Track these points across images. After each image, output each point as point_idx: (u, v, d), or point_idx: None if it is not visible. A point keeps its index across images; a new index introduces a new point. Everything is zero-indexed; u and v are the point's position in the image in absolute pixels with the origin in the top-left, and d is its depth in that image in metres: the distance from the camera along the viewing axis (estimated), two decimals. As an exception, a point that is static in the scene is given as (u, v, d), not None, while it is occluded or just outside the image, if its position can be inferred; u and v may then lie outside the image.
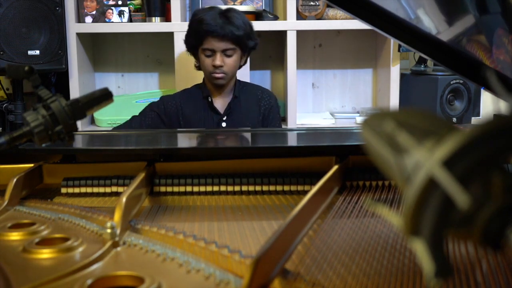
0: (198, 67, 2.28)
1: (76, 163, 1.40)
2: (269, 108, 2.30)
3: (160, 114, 2.25)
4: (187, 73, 2.68)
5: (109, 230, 0.92)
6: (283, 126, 2.64)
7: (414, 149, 0.48)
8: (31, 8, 2.49)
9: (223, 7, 2.32)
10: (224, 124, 2.24)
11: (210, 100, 2.24)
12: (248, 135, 1.81)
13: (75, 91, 2.72)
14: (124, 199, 1.00)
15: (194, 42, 2.19)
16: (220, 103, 2.27)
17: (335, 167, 1.20)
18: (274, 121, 2.32)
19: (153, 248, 0.89)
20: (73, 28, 2.70)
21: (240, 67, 2.25)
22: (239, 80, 2.32)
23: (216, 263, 0.83)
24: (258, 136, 1.76)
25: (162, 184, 1.28)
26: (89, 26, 2.77)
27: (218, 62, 2.14)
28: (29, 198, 1.24)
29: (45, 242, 0.94)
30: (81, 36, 2.76)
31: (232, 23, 2.12)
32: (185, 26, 2.67)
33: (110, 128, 2.73)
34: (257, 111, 2.28)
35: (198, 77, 2.40)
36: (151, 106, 2.31)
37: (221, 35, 2.11)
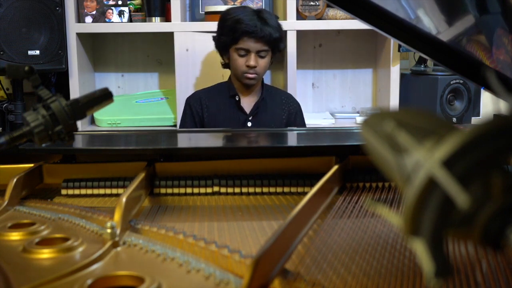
0: (225, 65, 2.27)
1: (76, 163, 1.40)
2: (294, 113, 2.31)
3: (192, 111, 2.25)
4: (187, 73, 2.68)
5: (109, 230, 0.92)
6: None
7: (414, 149, 0.48)
8: (31, 8, 2.49)
9: (220, 8, 2.31)
10: (249, 124, 2.23)
11: (237, 99, 2.24)
12: (248, 135, 1.81)
13: (75, 91, 2.72)
14: (124, 199, 1.00)
15: (228, 41, 2.18)
16: (246, 103, 2.26)
17: (335, 167, 1.20)
18: (300, 127, 2.32)
19: (153, 248, 0.89)
20: (73, 28, 2.70)
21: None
22: (265, 84, 2.33)
23: (216, 263, 0.83)
24: (259, 137, 1.76)
25: (162, 186, 1.28)
26: (89, 26, 2.77)
27: (253, 62, 2.14)
28: (29, 198, 1.24)
29: (45, 242, 0.94)
30: (81, 36, 2.76)
31: (270, 25, 2.13)
32: (185, 26, 2.69)
33: (111, 128, 2.73)
34: (281, 115, 2.29)
35: (199, 77, 2.41)
36: (186, 103, 2.31)
37: (259, 36, 2.11)
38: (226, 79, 2.40)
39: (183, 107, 2.33)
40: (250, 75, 2.17)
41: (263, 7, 2.85)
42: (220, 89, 2.29)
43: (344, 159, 1.29)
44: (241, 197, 1.26)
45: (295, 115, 2.31)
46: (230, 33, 2.15)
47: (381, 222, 1.02)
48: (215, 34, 2.26)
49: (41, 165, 1.36)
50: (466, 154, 0.44)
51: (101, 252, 0.87)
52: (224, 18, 2.21)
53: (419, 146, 0.48)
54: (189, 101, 2.29)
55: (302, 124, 2.36)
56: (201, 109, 2.24)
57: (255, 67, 2.15)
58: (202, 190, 1.28)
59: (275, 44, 2.16)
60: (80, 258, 0.87)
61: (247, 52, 2.14)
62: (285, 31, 2.70)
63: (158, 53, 3.07)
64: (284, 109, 2.30)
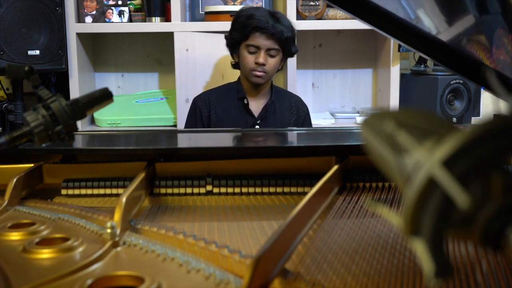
0: (234, 66, 2.25)
1: (76, 163, 1.40)
2: (303, 117, 2.29)
3: (200, 112, 2.23)
4: (187, 73, 2.68)
5: (109, 230, 0.92)
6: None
7: (414, 149, 0.48)
8: (31, 8, 2.49)
9: (220, 8, 2.31)
10: (257, 127, 2.20)
11: (246, 102, 2.21)
12: (248, 136, 1.81)
13: (75, 91, 2.72)
14: (124, 199, 1.00)
15: (239, 36, 2.15)
16: (255, 105, 2.23)
17: (335, 167, 1.20)
18: None
19: (153, 248, 0.90)
20: (73, 28, 2.70)
21: (277, 71, 2.23)
22: (274, 85, 2.30)
23: (216, 263, 0.83)
24: (259, 136, 1.76)
25: (162, 186, 1.28)
26: (89, 26, 2.77)
27: (261, 59, 2.11)
28: (29, 198, 1.24)
29: (45, 242, 0.94)
30: (81, 36, 2.76)
31: (282, 23, 2.11)
32: (185, 26, 2.69)
33: (111, 128, 2.73)
34: (289, 118, 2.26)
35: (199, 77, 2.41)
36: (193, 103, 2.28)
37: (270, 33, 2.09)
38: (226, 80, 2.40)
39: (183, 107, 2.32)
40: (258, 73, 2.13)
41: (263, 7, 2.86)
42: (229, 90, 2.26)
43: (344, 159, 1.29)
44: (241, 197, 1.26)
45: (303, 119, 2.29)
46: (241, 28, 2.13)
47: (381, 222, 1.02)
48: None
49: (41, 165, 1.36)
50: (466, 154, 0.44)
51: (101, 252, 0.87)
52: (237, 15, 2.19)
53: (419, 146, 0.48)
54: (196, 102, 2.25)
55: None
56: (208, 110, 2.21)
57: (264, 64, 2.11)
58: (202, 190, 1.28)
59: (286, 44, 2.13)
60: (80, 258, 0.87)
61: (257, 49, 2.12)
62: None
63: (158, 53, 3.07)
64: (293, 113, 2.28)
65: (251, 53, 2.13)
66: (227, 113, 2.22)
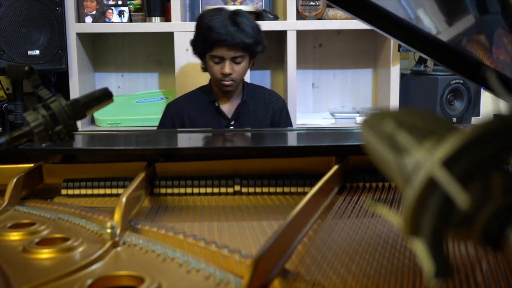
0: (205, 69, 2.24)
1: (76, 163, 1.40)
2: (279, 111, 2.27)
3: (173, 117, 2.23)
4: (187, 73, 2.68)
5: (109, 230, 0.92)
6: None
7: (414, 149, 0.48)
8: (31, 8, 2.49)
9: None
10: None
11: (217, 105, 2.21)
12: (248, 136, 1.81)
13: (75, 91, 2.72)
14: (124, 199, 1.00)
15: (202, 48, 2.14)
16: (227, 107, 2.23)
17: (335, 167, 1.20)
18: (286, 126, 2.29)
19: (153, 248, 0.90)
20: (73, 28, 2.70)
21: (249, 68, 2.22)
22: (246, 83, 2.29)
23: (216, 263, 0.83)
24: (258, 136, 1.76)
25: (162, 186, 1.28)
26: (89, 26, 2.77)
27: (227, 70, 2.09)
28: (29, 198, 1.24)
29: (45, 242, 0.94)
30: (81, 36, 2.76)
31: (243, 31, 2.07)
32: (185, 26, 2.69)
33: (111, 128, 2.73)
34: (265, 115, 2.25)
35: (199, 77, 2.40)
36: (166, 108, 2.28)
37: (231, 44, 2.06)
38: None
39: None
40: (226, 82, 2.13)
41: (263, 7, 2.86)
42: (201, 93, 2.26)
43: (344, 159, 1.29)
44: (241, 197, 1.26)
45: (280, 114, 2.27)
46: (203, 40, 2.12)
47: (381, 222, 1.02)
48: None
49: (41, 165, 1.36)
50: (466, 154, 0.44)
51: (101, 252, 0.87)
52: (198, 24, 2.16)
53: (419, 146, 0.48)
54: (170, 108, 2.26)
55: (288, 121, 2.32)
56: (181, 116, 2.21)
57: (230, 74, 2.10)
58: (202, 190, 1.28)
59: (250, 48, 2.11)
60: (80, 258, 0.87)
61: (222, 59, 2.10)
62: (285, 31, 2.71)
63: (158, 53, 3.07)
64: (268, 109, 2.26)
65: (216, 63, 2.11)
66: (200, 116, 2.21)
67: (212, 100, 2.21)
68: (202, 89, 2.29)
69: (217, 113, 2.21)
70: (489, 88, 1.08)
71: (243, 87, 2.25)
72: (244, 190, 1.27)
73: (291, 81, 2.73)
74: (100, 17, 2.78)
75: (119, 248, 0.91)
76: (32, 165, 1.34)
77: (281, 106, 2.29)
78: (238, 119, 2.21)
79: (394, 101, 2.80)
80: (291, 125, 2.37)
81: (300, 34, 2.76)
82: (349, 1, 1.12)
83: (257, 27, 2.16)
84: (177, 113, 2.23)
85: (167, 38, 2.76)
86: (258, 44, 2.14)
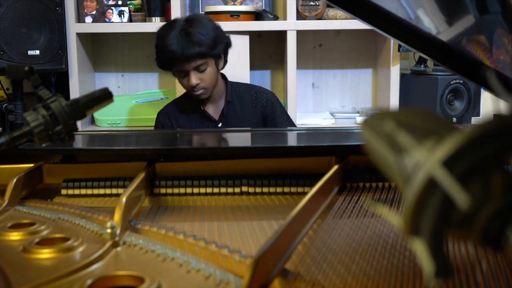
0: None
1: (76, 163, 1.40)
2: (269, 106, 2.24)
3: (164, 125, 2.24)
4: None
5: (109, 230, 0.92)
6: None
7: (414, 149, 0.48)
8: (31, 8, 2.49)
9: (220, 8, 2.27)
10: None
11: (202, 109, 2.20)
12: (248, 136, 1.81)
13: (75, 91, 2.72)
14: (124, 199, 1.00)
15: (164, 66, 2.15)
16: (213, 109, 2.23)
17: (335, 167, 1.20)
18: (280, 117, 2.25)
19: (153, 248, 0.90)
20: (73, 28, 2.70)
21: (220, 70, 2.18)
22: (230, 82, 2.26)
23: (216, 263, 0.83)
24: (258, 136, 1.76)
25: (162, 186, 1.28)
26: (89, 26, 2.77)
27: (193, 81, 2.07)
28: (29, 198, 1.24)
29: (45, 242, 0.94)
30: (81, 36, 2.76)
31: (194, 41, 2.02)
32: (185, 26, 2.68)
33: (111, 128, 2.73)
34: (253, 113, 2.23)
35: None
36: (157, 118, 2.29)
37: (187, 58, 2.04)
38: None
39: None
40: (197, 93, 2.12)
41: (263, 7, 2.86)
42: (186, 99, 2.26)
43: (344, 159, 1.29)
44: (241, 197, 1.26)
45: (271, 108, 2.24)
46: (161, 60, 2.12)
47: (381, 222, 1.02)
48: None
49: (41, 165, 1.36)
50: (466, 154, 0.44)
51: (101, 252, 0.87)
52: (156, 42, 2.13)
53: (419, 146, 0.48)
54: (159, 118, 2.27)
55: (281, 116, 2.27)
56: (170, 123, 2.22)
57: (198, 84, 2.09)
58: (202, 190, 1.28)
59: (210, 53, 2.07)
60: (80, 258, 0.87)
61: (185, 72, 2.08)
62: (285, 31, 2.70)
63: (158, 53, 3.06)
64: (256, 106, 2.23)
65: (182, 77, 2.11)
66: (188, 122, 2.22)
67: (197, 105, 2.21)
68: (185, 95, 2.28)
69: (204, 117, 2.21)
70: (489, 88, 1.08)
71: (226, 88, 2.24)
72: (244, 190, 1.27)
73: (291, 81, 2.73)
74: (100, 17, 2.78)
75: (119, 248, 0.91)
76: (32, 165, 1.34)
77: (270, 99, 2.26)
78: (225, 121, 2.20)
79: (394, 101, 2.80)
80: (286, 114, 2.33)
81: (300, 34, 2.76)
82: (349, 1, 1.12)
83: (213, 29, 2.10)
84: (166, 122, 2.23)
85: (167, 38, 2.75)
86: (217, 45, 2.09)
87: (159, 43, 2.11)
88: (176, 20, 2.16)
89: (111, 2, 2.78)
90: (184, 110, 2.24)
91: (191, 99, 2.22)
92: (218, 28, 2.14)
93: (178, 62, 2.07)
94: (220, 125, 2.20)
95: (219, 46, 2.11)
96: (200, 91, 2.12)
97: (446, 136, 0.46)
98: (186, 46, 2.02)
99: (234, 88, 2.26)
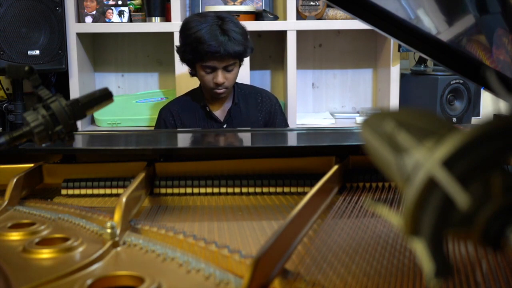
0: (193, 74, 2.22)
1: (76, 163, 1.40)
2: (273, 111, 2.26)
3: (167, 122, 2.23)
4: (187, 73, 2.67)
5: (109, 230, 0.92)
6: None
7: (414, 149, 0.48)
8: (31, 8, 2.49)
9: (220, 8, 2.25)
10: None
11: (208, 109, 2.20)
12: (248, 135, 1.81)
13: (75, 91, 2.72)
14: (124, 199, 1.00)
15: (192, 58, 2.11)
16: (218, 111, 2.23)
17: (335, 167, 1.20)
18: (279, 126, 2.27)
19: (153, 248, 0.90)
20: (73, 28, 2.70)
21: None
22: (237, 83, 2.27)
23: (216, 263, 0.83)
24: (258, 136, 1.76)
25: (162, 186, 1.28)
26: (89, 26, 2.77)
27: (220, 79, 2.08)
28: (29, 198, 1.24)
29: (45, 242, 0.94)
30: (81, 36, 2.76)
31: (233, 39, 2.03)
32: (185, 26, 2.68)
33: (111, 128, 2.73)
34: (257, 116, 2.24)
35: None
36: (159, 115, 2.27)
37: (224, 55, 2.03)
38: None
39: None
40: (219, 91, 2.12)
41: (263, 7, 2.86)
42: (192, 97, 2.25)
43: (344, 159, 1.29)
44: (241, 197, 1.26)
45: (274, 114, 2.26)
46: (193, 52, 2.07)
47: (381, 222, 1.02)
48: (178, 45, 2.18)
49: (41, 165, 1.36)
50: (466, 154, 0.44)
51: (101, 252, 0.87)
52: (185, 34, 2.09)
53: (419, 146, 0.48)
54: (161, 114, 2.26)
55: (282, 121, 2.30)
56: (173, 121, 2.21)
57: (223, 83, 2.09)
58: (202, 190, 1.28)
59: (240, 56, 2.10)
60: (80, 258, 0.87)
61: (213, 69, 2.08)
62: (285, 31, 2.70)
63: (158, 53, 3.07)
64: (260, 110, 2.25)
65: (208, 73, 2.09)
66: (192, 121, 2.21)
67: (203, 105, 2.21)
68: (192, 93, 2.28)
69: (209, 117, 2.21)
70: (489, 88, 1.08)
71: (233, 89, 2.25)
72: (244, 190, 1.27)
73: (291, 81, 2.73)
74: (100, 17, 2.78)
75: (119, 248, 0.91)
76: (32, 165, 1.34)
77: (274, 105, 2.28)
78: (230, 123, 2.21)
79: (394, 101, 2.80)
80: (285, 121, 2.36)
81: (300, 34, 2.75)
82: (349, 1, 1.12)
83: (244, 31, 2.12)
84: (169, 119, 2.23)
85: (167, 38, 2.76)
86: (247, 48, 2.12)
87: (191, 35, 2.04)
88: (206, 14, 2.14)
89: (111, 2, 2.78)
90: (189, 109, 2.23)
91: (197, 98, 2.22)
92: (247, 32, 2.15)
93: (212, 58, 2.04)
94: (225, 126, 2.20)
95: (248, 50, 2.13)
96: (223, 90, 2.12)
97: (446, 136, 0.46)
98: (224, 43, 2.01)
99: (240, 90, 2.27)
